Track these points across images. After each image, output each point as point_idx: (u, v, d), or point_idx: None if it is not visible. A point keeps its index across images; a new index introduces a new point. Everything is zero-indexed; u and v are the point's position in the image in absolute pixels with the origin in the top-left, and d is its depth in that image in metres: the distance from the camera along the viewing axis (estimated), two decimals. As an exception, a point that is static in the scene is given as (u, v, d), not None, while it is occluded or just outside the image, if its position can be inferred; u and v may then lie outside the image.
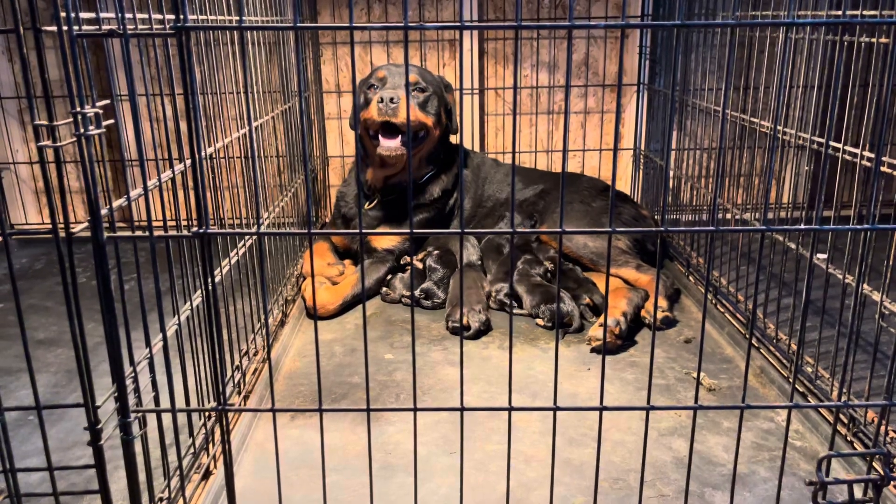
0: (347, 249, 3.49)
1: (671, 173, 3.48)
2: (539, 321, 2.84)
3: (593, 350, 2.64)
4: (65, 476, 1.91)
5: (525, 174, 3.68)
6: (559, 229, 1.23)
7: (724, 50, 2.98)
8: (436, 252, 3.22)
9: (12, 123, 4.04)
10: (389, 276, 3.23)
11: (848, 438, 1.96)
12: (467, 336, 2.75)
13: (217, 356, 1.36)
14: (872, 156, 1.94)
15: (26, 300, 3.16)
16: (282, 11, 2.95)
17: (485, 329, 2.79)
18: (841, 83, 1.74)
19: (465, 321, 2.75)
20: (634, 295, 2.81)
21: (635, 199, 3.96)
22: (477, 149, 4.10)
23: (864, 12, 1.95)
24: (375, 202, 3.32)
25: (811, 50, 2.33)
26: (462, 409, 1.36)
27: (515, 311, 2.98)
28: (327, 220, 4.10)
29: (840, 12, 1.65)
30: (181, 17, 1.17)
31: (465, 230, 1.21)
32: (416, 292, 3.05)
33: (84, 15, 1.31)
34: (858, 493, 1.53)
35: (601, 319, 2.74)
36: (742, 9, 2.79)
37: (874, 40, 1.97)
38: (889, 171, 1.90)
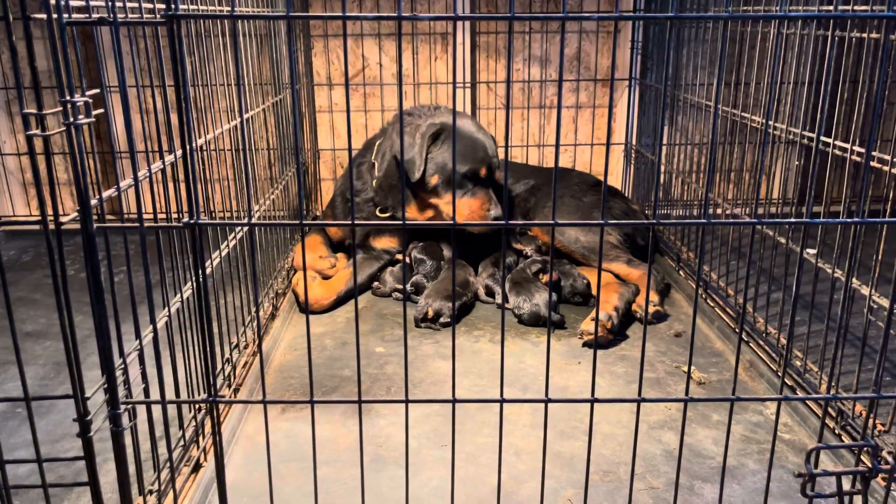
0: (342, 242, 3.46)
1: (662, 168, 3.49)
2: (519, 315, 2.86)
3: (585, 344, 2.65)
4: (54, 468, 1.90)
5: (515, 169, 3.67)
6: (551, 221, 1.23)
7: (715, 45, 2.99)
8: (420, 244, 3.22)
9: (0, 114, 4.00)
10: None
11: (836, 431, 1.97)
12: (429, 323, 2.81)
13: (207, 348, 1.35)
14: (862, 151, 1.95)
15: (14, 292, 3.13)
16: (273, 4, 2.93)
17: (444, 319, 2.81)
18: (831, 79, 1.75)
19: (430, 312, 2.80)
20: (625, 290, 2.82)
21: (626, 194, 3.97)
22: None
23: (856, 7, 1.95)
24: (389, 214, 3.24)
25: (802, 45, 2.33)
26: (454, 401, 1.36)
27: (496, 301, 3.01)
28: (318, 213, 4.09)
29: (832, 7, 1.65)
30: (172, 5, 1.16)
31: (457, 224, 1.21)
32: (408, 286, 3.06)
33: (74, 3, 1.30)
34: (847, 484, 1.54)
35: (593, 314, 2.75)
36: (734, 4, 2.80)
37: (864, 35, 1.98)
38: (878, 166, 1.91)
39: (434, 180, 3.00)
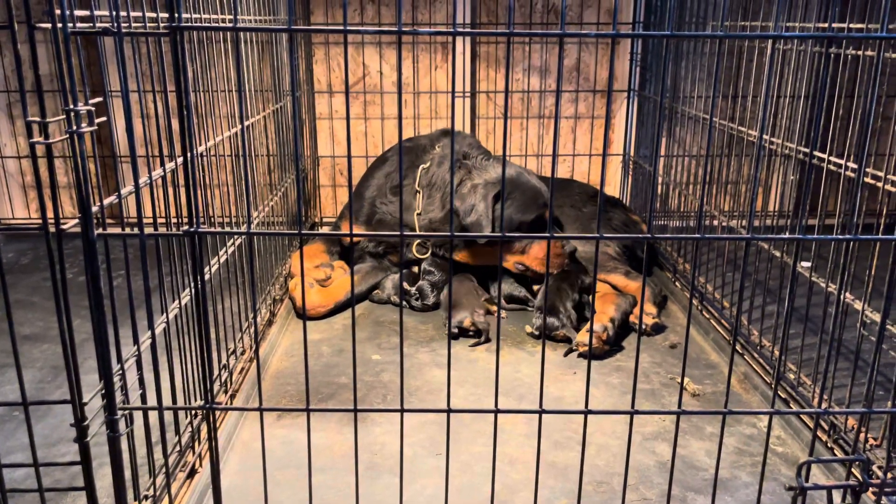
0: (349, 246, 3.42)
1: (660, 179, 3.51)
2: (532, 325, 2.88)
3: (580, 355, 2.66)
4: (50, 472, 1.91)
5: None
6: (546, 234, 1.24)
7: (713, 59, 3.01)
8: (431, 255, 3.23)
9: (1, 117, 4.01)
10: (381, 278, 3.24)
11: (828, 444, 1.98)
12: (474, 341, 2.78)
13: (205, 354, 1.36)
14: (857, 166, 1.97)
15: (12, 295, 3.13)
16: (275, 10, 2.95)
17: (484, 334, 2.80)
18: (827, 94, 1.77)
19: (467, 323, 2.78)
20: (623, 301, 2.83)
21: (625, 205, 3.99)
22: (468, 151, 4.11)
23: (852, 25, 1.98)
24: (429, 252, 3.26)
25: (798, 61, 2.36)
26: (448, 411, 1.38)
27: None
28: (317, 220, 4.10)
29: (827, 24, 1.67)
30: (175, 16, 1.17)
31: (456, 234, 1.23)
32: (412, 289, 3.07)
33: (78, 12, 1.31)
34: (837, 498, 1.55)
35: (589, 325, 2.76)
36: (731, 18, 2.82)
37: (860, 52, 2.00)
38: (872, 181, 1.93)
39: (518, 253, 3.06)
